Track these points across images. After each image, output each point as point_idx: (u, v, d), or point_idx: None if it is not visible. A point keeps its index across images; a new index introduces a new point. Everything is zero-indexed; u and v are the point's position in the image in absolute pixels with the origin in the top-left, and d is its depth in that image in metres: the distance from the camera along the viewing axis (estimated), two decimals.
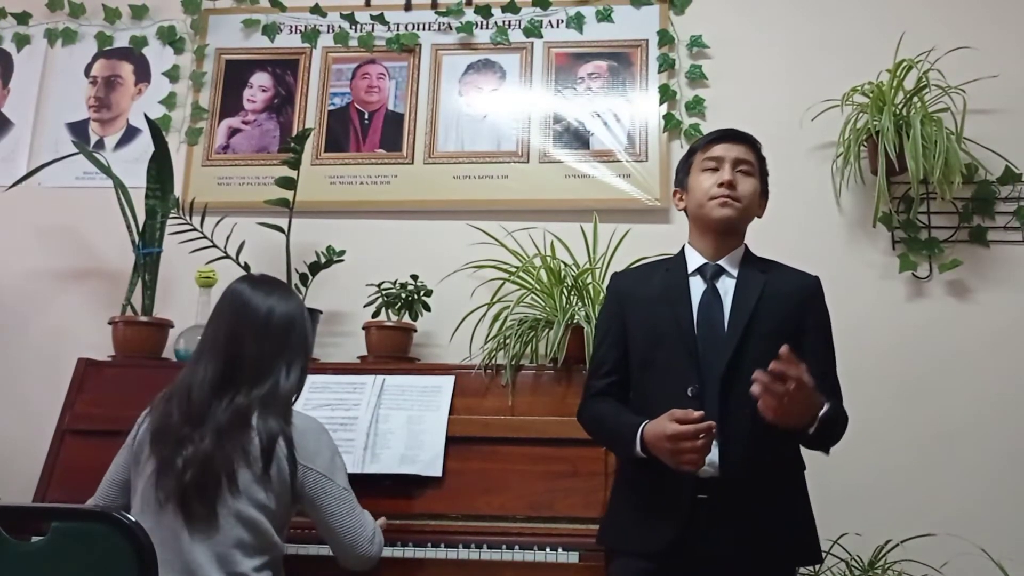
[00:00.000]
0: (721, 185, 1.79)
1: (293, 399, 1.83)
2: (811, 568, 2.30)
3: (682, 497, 1.66)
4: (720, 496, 1.64)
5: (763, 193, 1.89)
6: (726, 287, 1.79)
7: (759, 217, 1.90)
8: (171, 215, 2.72)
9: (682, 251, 1.90)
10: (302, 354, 1.87)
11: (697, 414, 1.57)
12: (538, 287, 2.52)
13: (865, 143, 2.73)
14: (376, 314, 2.64)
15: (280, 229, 2.71)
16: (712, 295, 1.78)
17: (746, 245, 1.87)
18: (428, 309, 2.66)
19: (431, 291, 2.66)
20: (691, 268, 1.83)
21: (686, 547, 1.64)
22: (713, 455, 1.64)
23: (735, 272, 1.80)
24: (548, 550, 2.02)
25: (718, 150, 1.84)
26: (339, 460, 1.86)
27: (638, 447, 1.67)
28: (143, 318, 2.66)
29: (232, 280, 1.92)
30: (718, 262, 1.82)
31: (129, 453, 1.84)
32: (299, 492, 1.77)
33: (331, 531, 1.80)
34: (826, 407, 1.61)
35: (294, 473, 1.75)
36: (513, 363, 2.37)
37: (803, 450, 1.78)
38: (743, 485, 1.63)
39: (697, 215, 1.85)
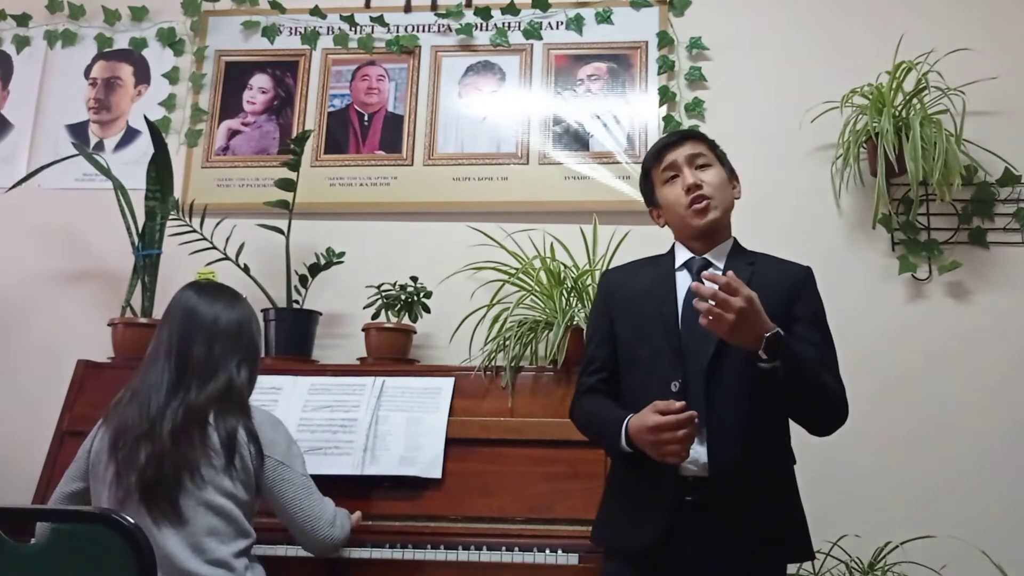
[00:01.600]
0: (689, 190, 1.78)
1: (247, 395, 1.88)
2: (809, 568, 2.30)
3: (666, 496, 1.65)
4: (708, 494, 1.63)
5: (731, 176, 1.88)
6: None
7: (738, 199, 1.88)
8: (171, 217, 2.73)
9: (672, 248, 1.89)
10: (252, 355, 1.92)
11: (679, 405, 1.57)
12: (538, 289, 2.52)
13: (864, 145, 2.73)
14: (376, 316, 2.64)
15: (280, 231, 2.72)
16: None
17: (735, 238, 1.87)
18: (428, 311, 2.66)
19: (431, 293, 2.66)
20: (678, 263, 1.83)
21: (673, 547, 1.63)
22: (701, 453, 1.64)
23: (722, 265, 1.80)
24: (547, 552, 2.03)
25: (668, 158, 1.84)
26: (296, 448, 1.90)
27: (623, 441, 1.67)
28: (143, 320, 2.65)
29: (179, 289, 1.95)
30: (705, 256, 1.81)
31: (84, 464, 1.86)
32: (259, 481, 1.81)
33: (291, 517, 1.83)
34: (775, 331, 1.55)
35: (259, 462, 1.79)
36: (513, 365, 2.38)
37: (800, 449, 1.77)
38: (731, 482, 1.62)
39: (679, 226, 1.85)
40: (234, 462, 1.76)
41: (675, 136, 1.87)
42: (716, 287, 1.52)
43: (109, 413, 1.84)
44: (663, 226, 1.92)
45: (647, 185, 1.91)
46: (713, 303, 1.53)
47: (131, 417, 1.78)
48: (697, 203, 1.77)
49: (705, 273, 1.53)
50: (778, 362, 1.55)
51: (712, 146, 1.88)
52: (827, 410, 1.70)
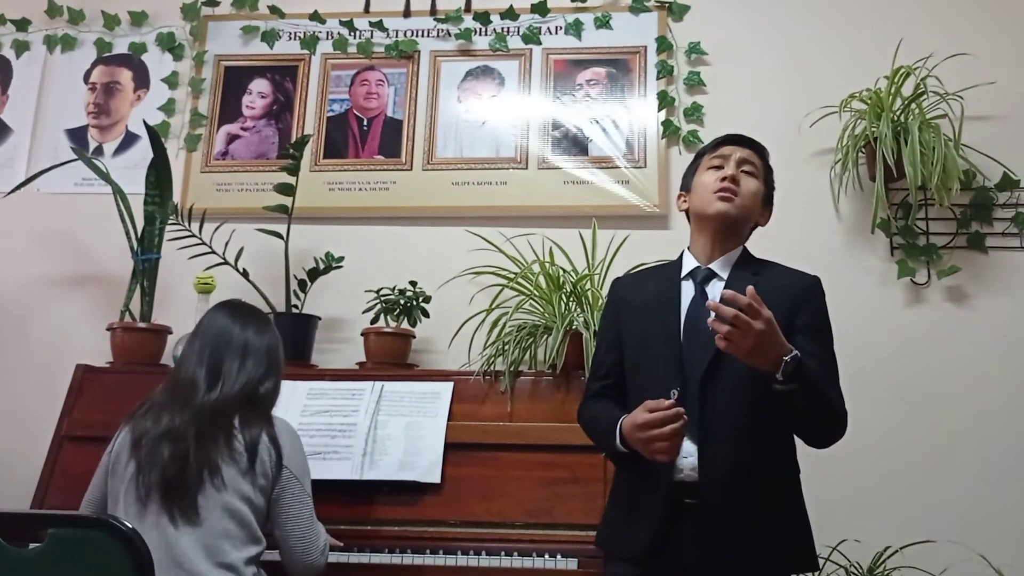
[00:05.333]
0: (724, 180, 1.80)
1: (271, 405, 1.91)
2: (809, 573, 2.30)
3: (660, 500, 1.66)
4: (702, 500, 1.63)
5: (767, 200, 1.89)
6: (715, 291, 1.77)
7: (762, 225, 1.90)
8: (170, 221, 2.72)
9: (680, 256, 1.90)
10: (275, 370, 1.95)
11: (668, 403, 1.58)
12: (537, 293, 2.52)
13: (863, 149, 2.74)
14: (375, 320, 2.64)
15: (279, 235, 2.72)
16: (700, 299, 1.77)
17: (745, 247, 1.87)
18: (427, 315, 2.66)
19: (430, 297, 2.66)
20: (684, 272, 1.84)
21: (668, 552, 1.63)
22: (693, 459, 1.64)
23: (726, 275, 1.80)
24: (547, 557, 2.03)
25: (725, 150, 1.86)
26: (308, 466, 1.91)
27: (618, 441, 1.69)
28: (141, 324, 2.65)
29: (211, 308, 2.00)
30: (710, 265, 1.82)
31: (106, 466, 1.86)
32: (272, 490, 1.81)
33: (289, 534, 1.83)
34: (794, 354, 1.54)
35: (277, 471, 1.81)
36: (512, 369, 2.38)
37: (800, 455, 1.77)
38: (726, 490, 1.62)
39: (697, 212, 1.86)
40: (255, 467, 1.77)
41: (741, 138, 1.89)
42: (735, 310, 1.49)
43: (133, 416, 1.84)
44: (683, 210, 1.94)
45: (692, 167, 1.93)
46: (732, 325, 1.50)
47: (153, 422, 1.78)
48: (724, 192, 1.79)
49: (725, 292, 1.51)
50: (794, 385, 1.55)
51: (767, 168, 1.90)
52: (829, 426, 1.71)
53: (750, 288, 1.53)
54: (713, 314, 1.53)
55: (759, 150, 1.89)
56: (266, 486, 1.79)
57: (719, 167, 1.84)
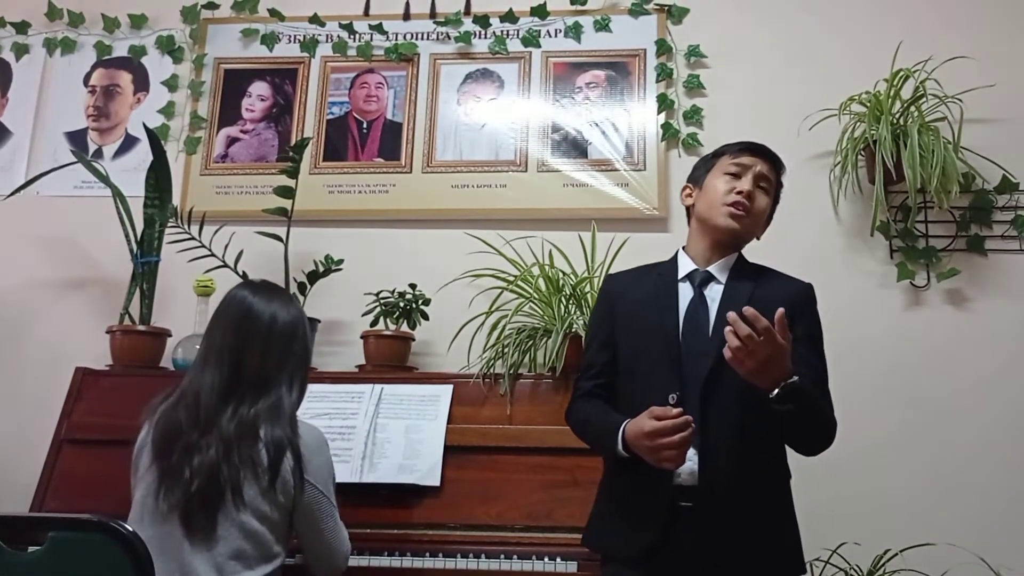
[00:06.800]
0: (739, 193, 1.80)
1: (296, 410, 1.83)
2: None
3: (659, 503, 1.66)
4: (700, 504, 1.63)
5: (770, 218, 1.90)
6: (714, 294, 1.79)
7: (757, 239, 1.90)
8: (169, 224, 2.72)
9: (675, 256, 1.90)
10: (303, 364, 1.87)
11: (676, 411, 1.57)
12: (536, 296, 2.52)
13: (862, 152, 2.74)
14: (374, 323, 2.64)
15: (278, 238, 2.72)
16: (699, 302, 1.78)
17: (740, 253, 1.87)
18: (426, 318, 2.66)
19: (429, 300, 2.66)
20: (681, 274, 1.84)
21: (665, 554, 1.64)
22: (692, 463, 1.64)
23: (724, 279, 1.81)
24: (547, 559, 2.02)
25: (746, 159, 1.85)
26: (333, 474, 1.87)
27: (620, 446, 1.67)
28: (141, 327, 2.65)
29: (232, 287, 1.91)
30: (707, 268, 1.82)
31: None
32: (296, 502, 1.77)
33: (316, 544, 1.81)
34: (795, 378, 1.55)
35: (300, 486, 1.75)
36: (511, 372, 2.37)
37: (790, 460, 1.77)
38: (723, 494, 1.63)
39: (703, 217, 1.85)
40: (276, 484, 1.71)
41: (766, 151, 1.88)
42: (752, 331, 1.50)
43: (155, 412, 1.79)
44: (687, 205, 1.93)
45: (707, 163, 1.91)
46: (743, 343, 1.51)
47: (180, 421, 1.73)
48: (736, 208, 1.79)
49: (747, 311, 1.51)
50: (790, 406, 1.56)
51: (779, 184, 1.91)
52: (820, 438, 1.72)
53: (780, 311, 1.53)
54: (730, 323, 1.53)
55: (778, 167, 1.89)
56: (286, 503, 1.74)
57: (736, 175, 1.83)
